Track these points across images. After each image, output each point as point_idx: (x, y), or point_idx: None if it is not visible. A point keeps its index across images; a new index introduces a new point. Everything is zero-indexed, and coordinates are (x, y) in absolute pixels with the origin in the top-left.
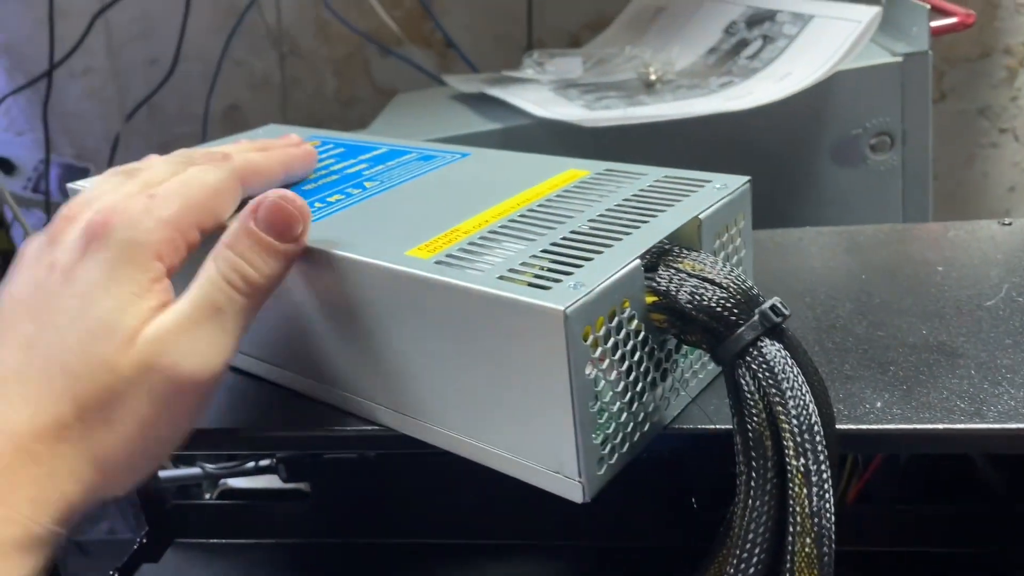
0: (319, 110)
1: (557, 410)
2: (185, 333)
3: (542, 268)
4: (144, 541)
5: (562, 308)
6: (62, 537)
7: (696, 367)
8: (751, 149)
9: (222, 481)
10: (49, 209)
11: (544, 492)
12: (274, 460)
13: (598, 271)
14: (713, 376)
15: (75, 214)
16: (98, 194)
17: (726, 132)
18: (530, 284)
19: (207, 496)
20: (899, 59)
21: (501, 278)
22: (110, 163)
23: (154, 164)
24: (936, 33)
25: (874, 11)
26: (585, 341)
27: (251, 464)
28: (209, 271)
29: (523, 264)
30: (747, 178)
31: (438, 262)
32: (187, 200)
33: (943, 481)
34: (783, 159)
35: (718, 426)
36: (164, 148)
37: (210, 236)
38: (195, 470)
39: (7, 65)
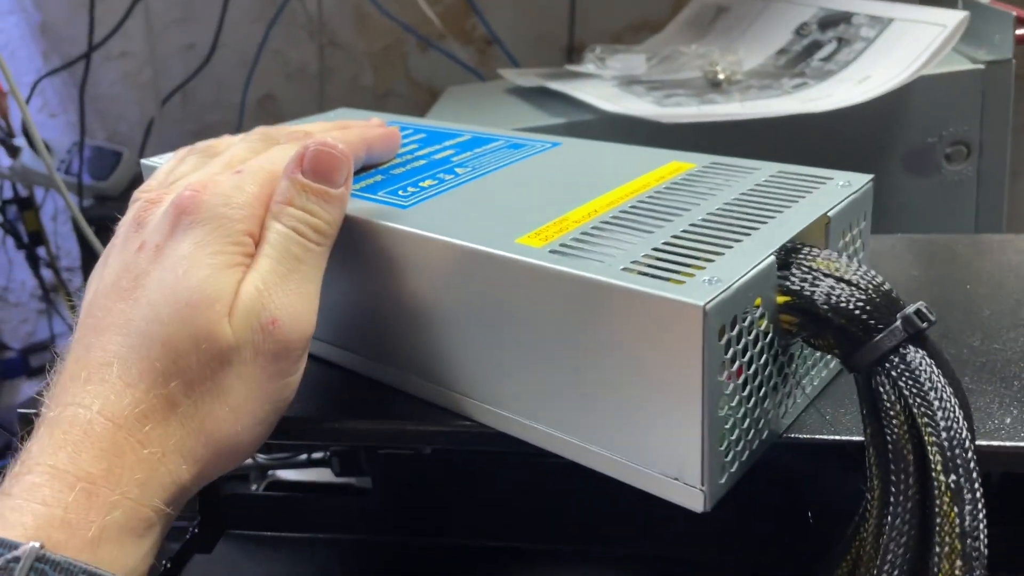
0: (355, 102)
1: (684, 413)
2: (276, 289)
3: (667, 261)
4: (196, 531)
5: (701, 304)
6: (172, 518)
7: (812, 372)
8: (823, 152)
9: (270, 472)
10: (81, 191)
11: (615, 499)
12: (327, 453)
13: (733, 266)
14: (827, 382)
15: (158, 196)
16: (179, 173)
17: (798, 134)
18: (657, 277)
19: (254, 487)
20: (981, 67)
21: (625, 269)
22: (143, 148)
23: (233, 143)
24: (1020, 42)
25: (961, 15)
26: (720, 341)
27: (304, 456)
28: (277, 229)
29: (645, 256)
30: (870, 176)
31: (553, 251)
32: (275, 177)
33: None
34: (853, 164)
35: (840, 436)
36: (197, 135)
37: None
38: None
39: (44, 47)
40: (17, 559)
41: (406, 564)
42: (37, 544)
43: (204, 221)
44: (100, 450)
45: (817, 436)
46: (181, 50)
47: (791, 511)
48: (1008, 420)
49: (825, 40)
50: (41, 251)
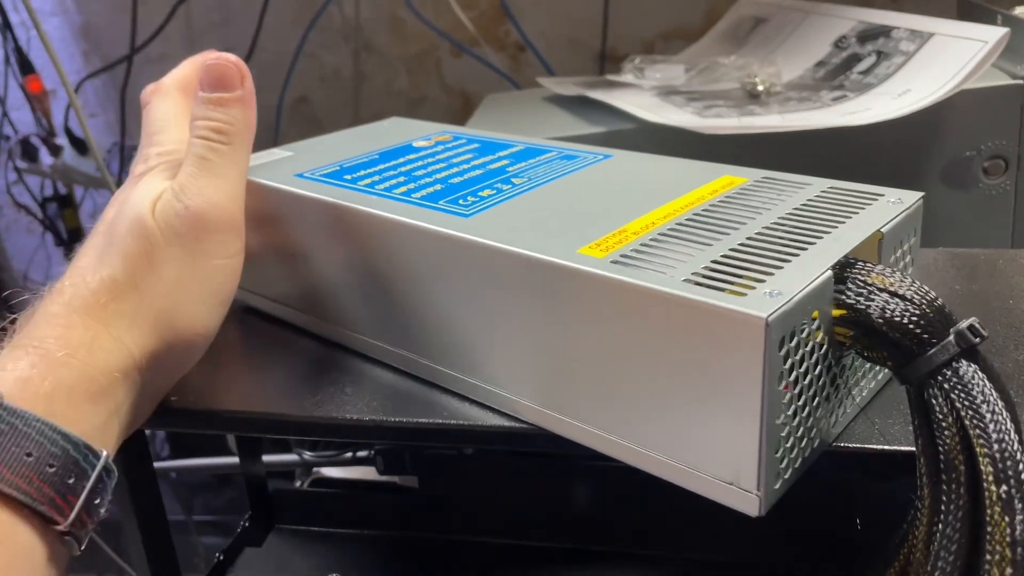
0: (389, 107)
1: (744, 421)
2: (189, 185)
3: (728, 273)
4: (247, 525)
5: (764, 316)
6: (130, 395)
7: (862, 383)
8: (860, 166)
9: (315, 470)
10: None
11: (660, 502)
12: (372, 452)
13: (792, 279)
14: (875, 393)
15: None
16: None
17: (837, 147)
18: (719, 289)
19: (299, 483)
20: (1021, 82)
21: (686, 281)
22: None
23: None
24: None
25: (1002, 32)
26: (779, 352)
27: (349, 454)
28: (191, 140)
29: (705, 268)
30: (921, 194)
31: (614, 262)
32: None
33: None
34: (891, 177)
35: (890, 446)
36: None
37: None
38: (292, 456)
39: (85, 48)
40: None
41: (448, 561)
42: None
43: (152, 171)
44: (51, 322)
45: (867, 445)
46: None
47: (839, 518)
48: None
49: (864, 53)
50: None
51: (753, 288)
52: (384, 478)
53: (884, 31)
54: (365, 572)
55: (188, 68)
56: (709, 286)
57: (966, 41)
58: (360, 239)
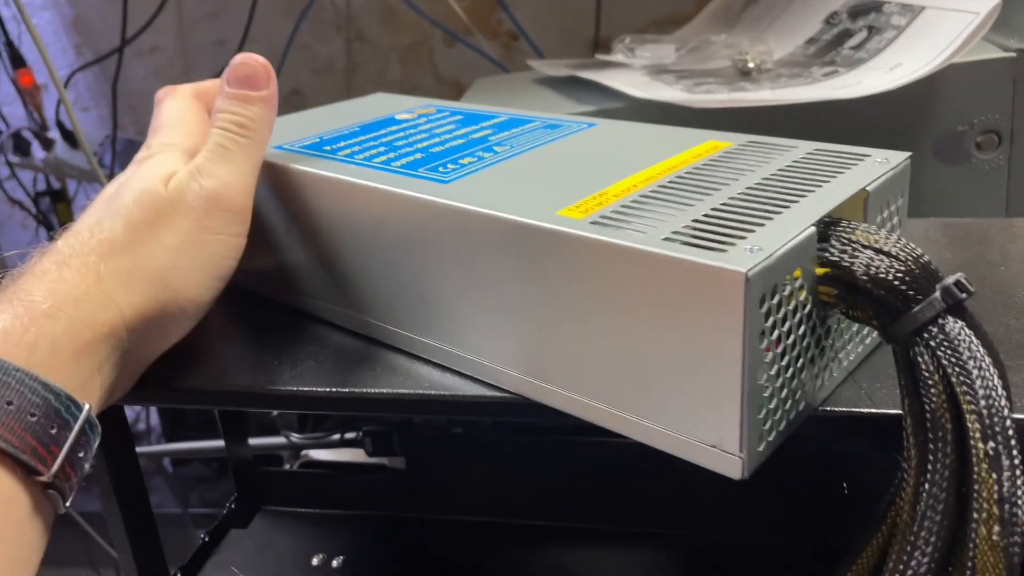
0: None
1: (724, 381)
2: (206, 168)
3: (708, 231)
4: (233, 507)
5: (743, 271)
6: (117, 353)
7: (849, 347)
8: (852, 140)
9: (304, 452)
10: None
11: (645, 476)
12: (360, 433)
13: (774, 236)
14: (863, 357)
15: None
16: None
17: (828, 122)
18: (699, 246)
19: (287, 466)
20: (1012, 55)
21: (666, 239)
22: None
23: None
24: None
25: (993, 3)
26: (760, 309)
27: (336, 436)
28: (211, 131)
29: (685, 227)
30: (908, 154)
31: (594, 222)
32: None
33: None
34: None
35: (878, 409)
36: None
37: None
38: (280, 439)
39: (76, 41)
40: None
41: (435, 540)
42: None
43: (152, 153)
44: (41, 277)
45: (854, 409)
46: (211, 45)
47: (827, 483)
48: None
49: (856, 29)
50: None
51: (734, 245)
52: (372, 459)
53: (875, 6)
54: (351, 552)
55: (209, 83)
56: (689, 243)
57: (957, 14)
58: (339, 209)
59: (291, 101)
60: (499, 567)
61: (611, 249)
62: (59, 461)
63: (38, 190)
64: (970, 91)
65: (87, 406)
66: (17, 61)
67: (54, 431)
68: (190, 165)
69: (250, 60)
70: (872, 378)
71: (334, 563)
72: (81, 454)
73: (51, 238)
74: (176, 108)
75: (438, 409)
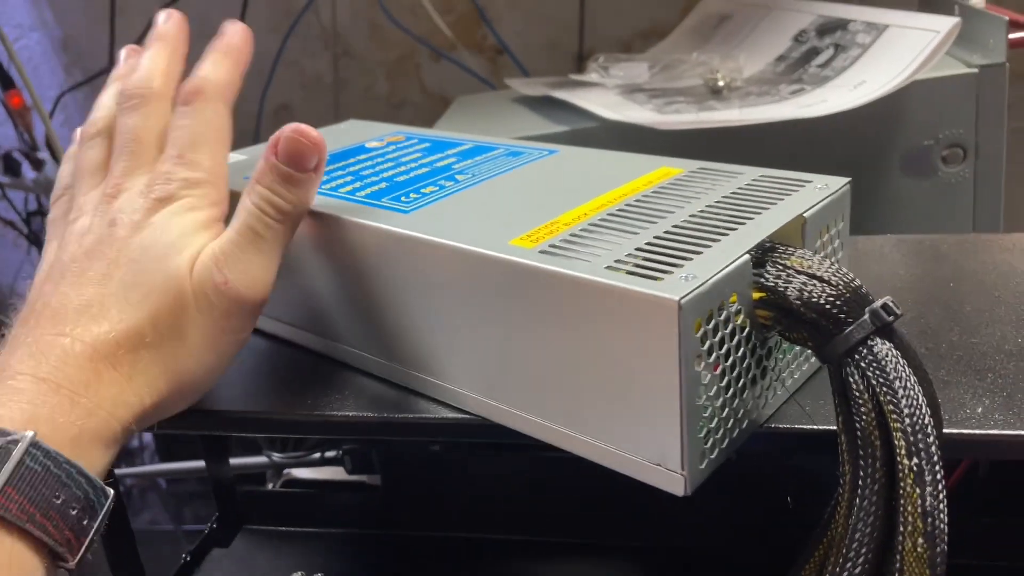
0: (369, 112)
1: (664, 403)
2: (234, 255)
3: (649, 259)
4: (214, 526)
5: (676, 298)
6: (129, 439)
7: (792, 367)
8: (821, 157)
9: (286, 471)
10: None
11: (612, 491)
12: (340, 452)
13: (709, 264)
14: (808, 376)
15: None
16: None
17: (797, 140)
18: (638, 275)
19: (270, 486)
20: (975, 70)
21: (609, 268)
22: None
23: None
24: (1013, 46)
25: (953, 21)
26: (696, 334)
27: (317, 455)
28: (245, 204)
29: (628, 255)
30: (848, 179)
31: (543, 251)
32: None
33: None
34: (853, 168)
35: (817, 427)
36: None
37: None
38: (262, 459)
39: (66, 61)
40: (15, 442)
41: (415, 557)
42: (31, 433)
43: (176, 203)
44: (79, 367)
45: (796, 426)
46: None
47: (775, 498)
48: (979, 410)
49: (823, 47)
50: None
51: (670, 273)
52: (353, 477)
53: (842, 24)
54: (329, 569)
55: (228, 71)
56: (629, 272)
57: (919, 32)
58: (301, 237)
59: (280, 116)
60: None
61: (556, 278)
62: (83, 549)
63: (29, 210)
64: (935, 106)
65: (111, 494)
66: (6, 82)
67: (85, 522)
68: (215, 246)
69: (304, 135)
70: (816, 397)
71: None
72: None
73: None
74: (208, 120)
75: (402, 431)
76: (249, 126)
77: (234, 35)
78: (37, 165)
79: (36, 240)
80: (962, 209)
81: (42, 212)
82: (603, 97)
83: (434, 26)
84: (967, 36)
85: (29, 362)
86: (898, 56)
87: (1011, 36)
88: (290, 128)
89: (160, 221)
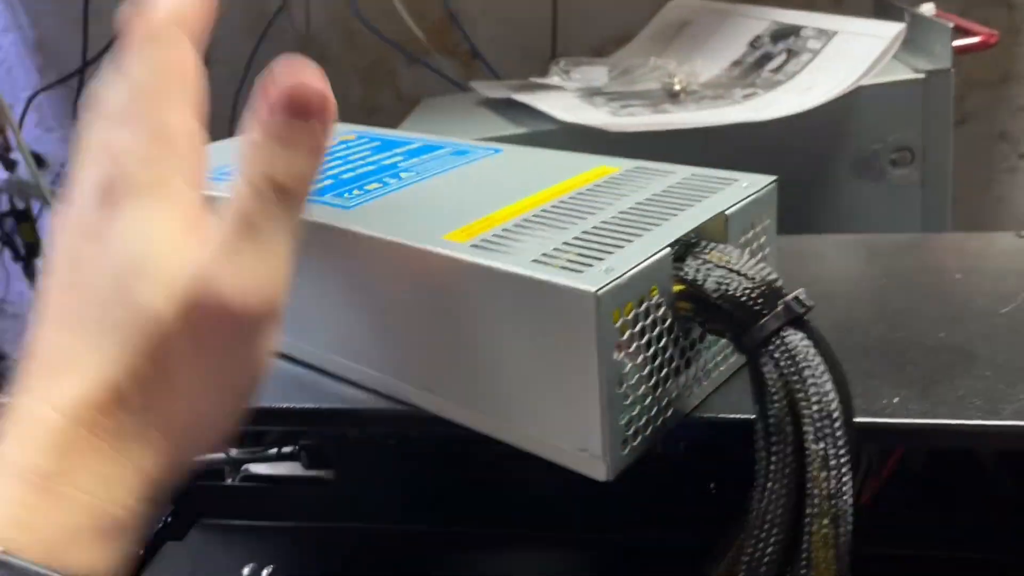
0: (343, 116)
1: (585, 390)
2: (224, 261)
3: (574, 254)
4: (168, 520)
5: (593, 290)
6: (150, 512)
7: (719, 359)
8: (773, 160)
9: (244, 467)
10: None
11: (564, 483)
12: (296, 447)
13: (629, 257)
14: (735, 368)
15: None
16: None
17: (749, 143)
18: (563, 268)
19: (228, 480)
20: (921, 76)
21: (535, 261)
22: None
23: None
24: (959, 52)
25: (898, 28)
26: (614, 324)
27: (274, 450)
28: (235, 187)
29: (556, 249)
30: (773, 178)
31: (474, 245)
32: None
33: (958, 489)
34: (805, 171)
35: (740, 415)
36: None
37: None
38: (219, 455)
39: (40, 63)
40: None
41: (364, 549)
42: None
43: (132, 190)
44: (54, 446)
45: (718, 415)
46: None
47: (698, 483)
48: (896, 400)
49: (776, 52)
50: (39, 262)
51: (591, 266)
52: (310, 472)
53: (794, 30)
54: (280, 562)
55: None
56: (554, 265)
57: (867, 38)
58: None
59: None
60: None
61: (484, 271)
62: None
63: (2, 210)
64: (883, 111)
65: None
66: None
67: None
68: (199, 255)
69: (306, 79)
70: (743, 388)
71: (264, 573)
72: None
73: (27, 271)
74: (177, 61)
75: (341, 421)
76: (222, 129)
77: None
78: (9, 165)
79: (9, 241)
80: (910, 211)
81: (15, 212)
82: (562, 100)
83: (408, 31)
84: (914, 42)
85: (3, 442)
86: (846, 61)
87: (955, 43)
88: (283, 68)
89: (117, 229)
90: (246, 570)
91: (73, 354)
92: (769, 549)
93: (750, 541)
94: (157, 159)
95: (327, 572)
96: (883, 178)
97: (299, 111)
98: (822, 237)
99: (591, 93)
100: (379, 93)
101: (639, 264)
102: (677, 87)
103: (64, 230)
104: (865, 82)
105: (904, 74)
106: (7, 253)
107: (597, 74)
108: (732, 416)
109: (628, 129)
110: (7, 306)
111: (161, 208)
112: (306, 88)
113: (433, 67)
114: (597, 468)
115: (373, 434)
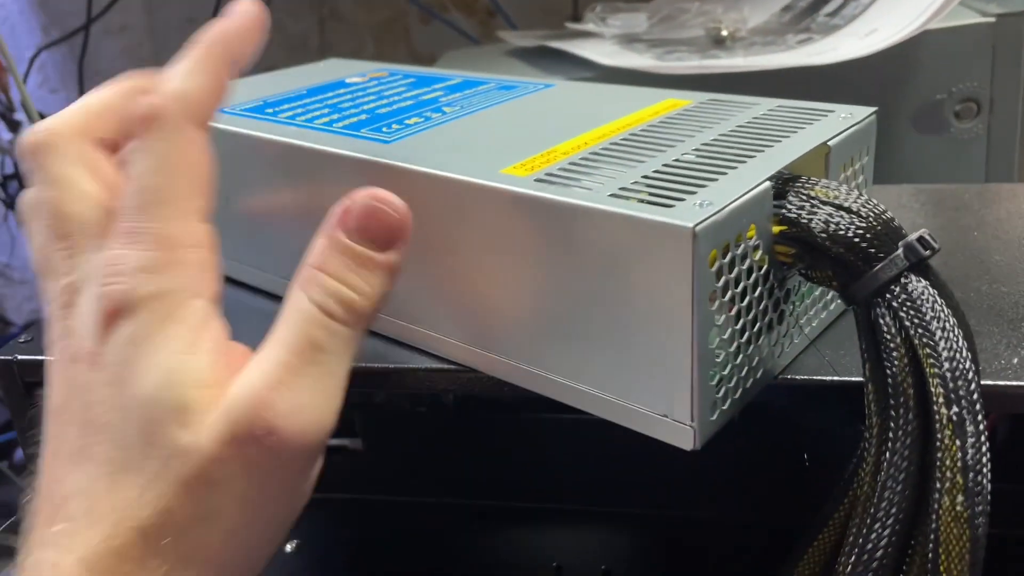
0: None
1: (673, 344)
2: (282, 387)
3: (658, 187)
4: None
5: (690, 225)
6: None
7: (811, 312)
8: None
9: None
10: None
11: (615, 455)
12: None
13: (725, 191)
14: (826, 325)
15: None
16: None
17: (803, 91)
18: (647, 202)
19: None
20: (991, 19)
21: (613, 196)
22: None
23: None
24: None
25: None
26: (711, 268)
27: None
28: (300, 304)
29: (635, 183)
30: (873, 109)
31: (538, 180)
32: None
33: None
34: None
35: (840, 377)
36: None
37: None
38: None
39: (44, 21)
40: None
41: (391, 522)
42: None
43: (136, 309)
44: None
45: (815, 377)
46: (181, 23)
47: (789, 457)
48: (1016, 360)
49: None
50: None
51: (683, 200)
52: (335, 442)
53: None
54: (305, 536)
55: (206, 79)
56: (636, 200)
57: None
58: (277, 170)
59: None
60: (457, 548)
61: (555, 207)
62: None
63: (6, 173)
64: (948, 58)
65: None
66: None
67: None
68: (255, 376)
69: (385, 204)
70: (836, 345)
71: (288, 547)
72: None
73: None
74: (183, 154)
75: (374, 382)
76: None
77: (231, 21)
78: (13, 127)
79: (13, 204)
80: (974, 166)
81: (19, 175)
82: (600, 46)
83: None
84: None
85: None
86: (911, 3)
87: None
88: (365, 193)
89: (125, 356)
90: None
91: (89, 496)
92: (887, 531)
93: (864, 520)
94: (163, 276)
95: (350, 546)
96: (946, 131)
97: (383, 240)
98: (900, 187)
99: (630, 40)
100: (393, 51)
101: (738, 198)
102: (724, 33)
103: (64, 363)
104: (931, 26)
105: (971, 18)
106: (12, 218)
107: (636, 20)
108: (831, 379)
109: (681, 72)
110: (12, 271)
111: (167, 333)
112: (390, 217)
113: (450, 23)
114: (683, 436)
115: (401, 401)
